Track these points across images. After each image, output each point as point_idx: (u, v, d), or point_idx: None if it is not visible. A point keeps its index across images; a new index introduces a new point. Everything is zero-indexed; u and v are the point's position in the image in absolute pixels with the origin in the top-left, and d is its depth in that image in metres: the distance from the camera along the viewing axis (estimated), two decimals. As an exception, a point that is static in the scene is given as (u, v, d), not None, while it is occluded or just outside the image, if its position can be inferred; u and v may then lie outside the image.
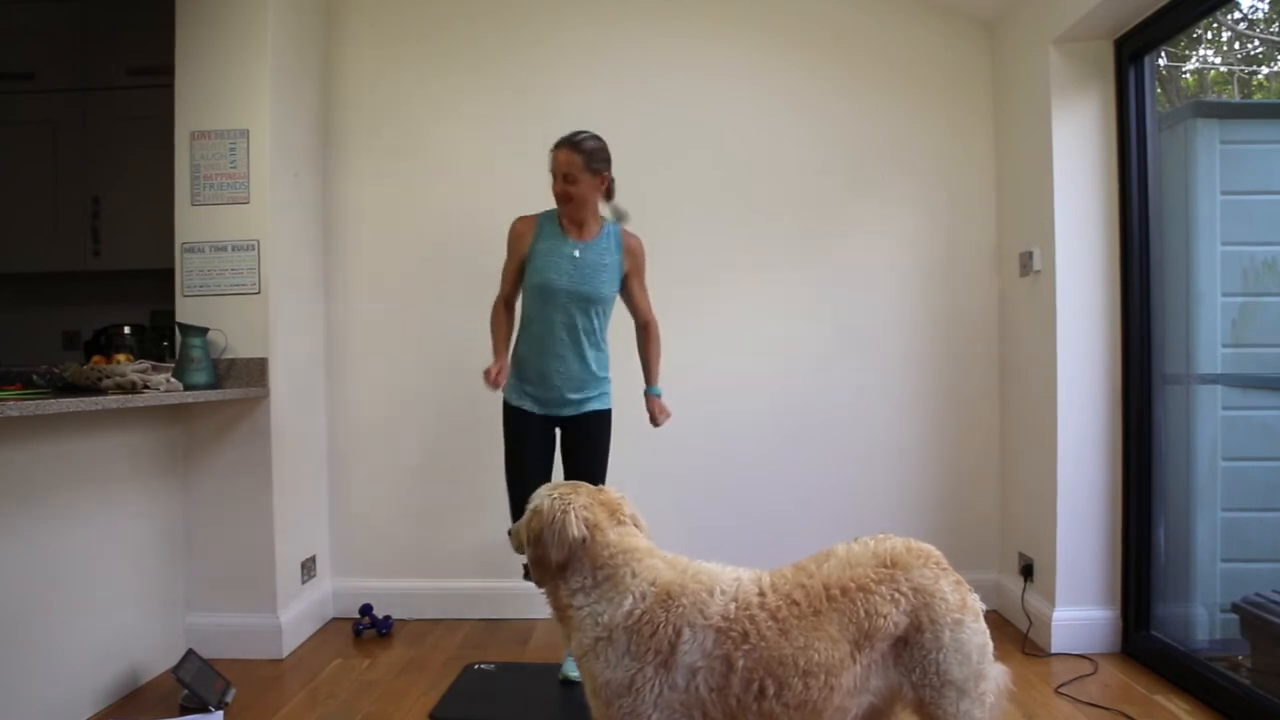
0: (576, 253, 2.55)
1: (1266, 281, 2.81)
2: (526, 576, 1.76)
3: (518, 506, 2.60)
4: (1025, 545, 3.10)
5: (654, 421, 2.71)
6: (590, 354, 2.59)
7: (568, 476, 2.68)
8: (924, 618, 1.54)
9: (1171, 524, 2.80)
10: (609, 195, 2.63)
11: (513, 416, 2.63)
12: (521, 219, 2.64)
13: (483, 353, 3.19)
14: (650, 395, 2.74)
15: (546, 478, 2.61)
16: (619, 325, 2.75)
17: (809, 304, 3.33)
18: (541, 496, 1.67)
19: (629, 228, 2.69)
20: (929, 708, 1.56)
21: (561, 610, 1.62)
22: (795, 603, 1.52)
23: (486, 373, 2.52)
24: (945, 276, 3.33)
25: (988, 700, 1.59)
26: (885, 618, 1.52)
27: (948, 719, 1.55)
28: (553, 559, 1.58)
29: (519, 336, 2.66)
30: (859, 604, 1.52)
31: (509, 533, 1.79)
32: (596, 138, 2.55)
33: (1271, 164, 2.88)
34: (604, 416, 2.67)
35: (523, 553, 1.73)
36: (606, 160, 2.57)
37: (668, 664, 1.49)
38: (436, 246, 3.33)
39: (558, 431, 2.68)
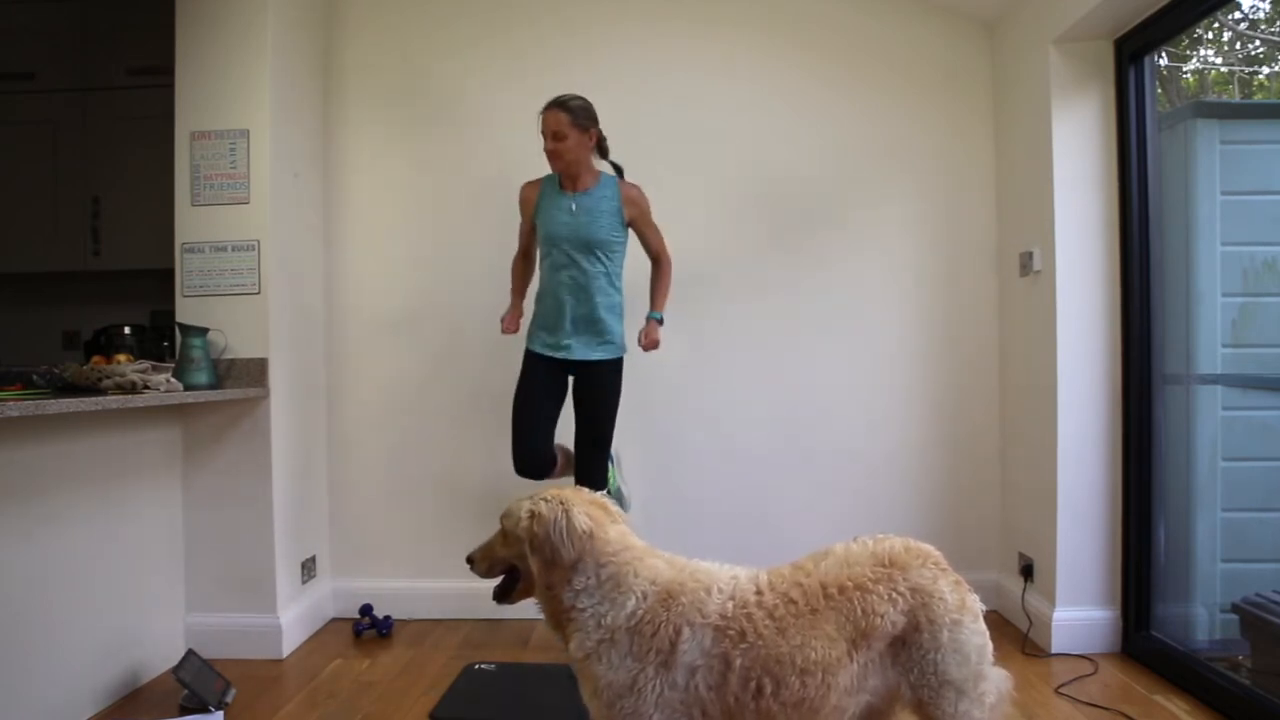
0: (573, 205, 2.72)
1: (1266, 281, 2.81)
2: (498, 600, 1.72)
3: (518, 438, 2.74)
4: (1025, 545, 3.09)
5: (641, 343, 2.79)
6: (597, 298, 2.71)
7: (577, 425, 2.79)
8: (922, 618, 1.54)
9: (1171, 524, 2.79)
10: (603, 153, 2.79)
11: (526, 357, 2.82)
12: (527, 184, 2.85)
13: (484, 353, 3.21)
14: (649, 319, 2.82)
15: (551, 420, 2.77)
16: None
17: (808, 303, 3.32)
18: (533, 500, 1.61)
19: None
20: (927, 708, 1.55)
21: (563, 614, 1.59)
22: (792, 601, 1.52)
23: (502, 320, 2.81)
24: (945, 276, 3.33)
25: (987, 701, 1.59)
26: (882, 617, 1.52)
27: (946, 719, 1.55)
28: (564, 557, 1.55)
29: (538, 289, 2.82)
30: (856, 603, 1.52)
31: (468, 560, 1.71)
32: (580, 98, 2.71)
33: (1271, 164, 2.88)
34: (613, 365, 2.78)
35: (490, 576, 1.71)
36: (592, 118, 2.72)
37: (668, 663, 1.49)
38: (438, 247, 3.33)
39: (570, 382, 2.80)
